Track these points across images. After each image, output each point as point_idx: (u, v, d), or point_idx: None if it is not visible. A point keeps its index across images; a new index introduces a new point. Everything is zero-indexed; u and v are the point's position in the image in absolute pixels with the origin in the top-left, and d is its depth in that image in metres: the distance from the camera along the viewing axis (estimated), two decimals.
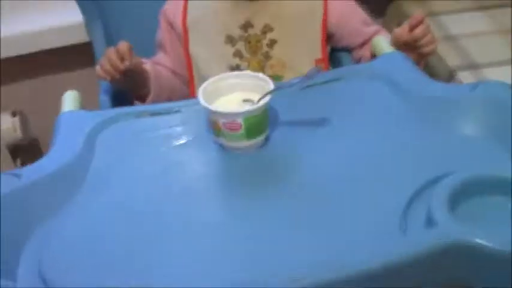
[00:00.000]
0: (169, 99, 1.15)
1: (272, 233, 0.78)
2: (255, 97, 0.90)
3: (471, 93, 0.93)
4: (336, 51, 1.25)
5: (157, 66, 1.21)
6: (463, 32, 1.36)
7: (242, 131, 0.87)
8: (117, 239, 0.79)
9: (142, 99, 1.18)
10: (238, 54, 1.17)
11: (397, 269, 0.70)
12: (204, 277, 0.72)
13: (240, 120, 0.86)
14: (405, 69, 1.02)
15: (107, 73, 1.06)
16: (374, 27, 1.23)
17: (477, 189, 0.79)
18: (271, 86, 0.90)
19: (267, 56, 1.17)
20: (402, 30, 1.09)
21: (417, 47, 1.09)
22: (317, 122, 0.95)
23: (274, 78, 1.14)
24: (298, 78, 0.93)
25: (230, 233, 0.79)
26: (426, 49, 1.10)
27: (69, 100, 1.04)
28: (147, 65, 1.17)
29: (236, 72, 0.97)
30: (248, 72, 0.97)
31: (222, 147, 0.91)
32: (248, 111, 0.87)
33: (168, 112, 1.00)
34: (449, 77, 1.27)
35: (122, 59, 1.05)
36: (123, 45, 1.05)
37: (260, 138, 0.90)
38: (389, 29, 1.21)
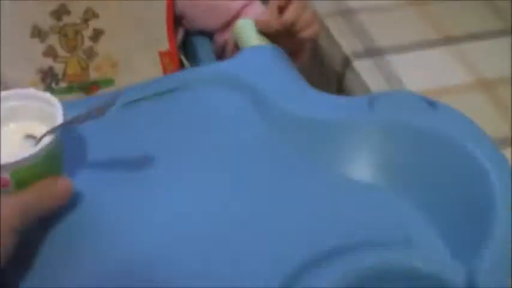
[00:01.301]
0: None
1: None
2: (43, 129, 0.58)
3: (369, 114, 0.63)
4: (190, 36, 0.92)
5: None
6: (364, 5, 1.04)
7: (15, 188, 0.56)
8: None
9: None
10: (50, 52, 0.83)
11: None
12: None
13: (6, 175, 0.55)
14: (275, 73, 0.71)
15: None
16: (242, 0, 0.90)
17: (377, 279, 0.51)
18: (60, 113, 0.58)
19: (91, 53, 0.83)
20: (268, 17, 0.77)
21: (291, 33, 0.78)
22: (143, 162, 0.63)
23: (103, 82, 0.83)
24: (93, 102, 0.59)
25: None
26: (303, 34, 0.79)
27: None
28: None
29: (12, 91, 0.62)
30: (30, 90, 0.62)
31: None
32: (18, 162, 0.54)
33: None
34: (343, 65, 0.96)
35: None
36: None
37: None
38: None
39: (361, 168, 0.61)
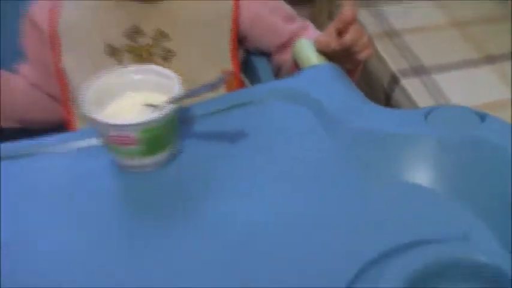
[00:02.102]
0: (29, 119, 0.95)
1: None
2: (160, 99, 0.68)
3: (425, 126, 0.69)
4: (250, 56, 0.99)
5: (16, 77, 0.95)
6: (408, 27, 1.10)
7: (139, 145, 0.67)
8: None
9: None
10: None
11: None
12: None
13: (134, 134, 0.66)
14: (337, 89, 0.77)
15: None
16: (298, 23, 0.97)
17: (439, 276, 0.56)
18: (179, 86, 0.69)
19: None
20: (327, 38, 0.83)
21: (349, 55, 0.84)
22: (224, 163, 0.71)
23: None
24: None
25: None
26: (360, 56, 0.85)
27: None
28: None
29: (135, 67, 0.72)
30: (152, 66, 0.72)
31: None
32: (147, 122, 0.65)
33: (23, 155, 0.72)
34: (391, 83, 1.03)
35: None
36: None
37: (164, 154, 0.70)
38: (319, 20, 0.96)
39: (420, 175, 0.67)
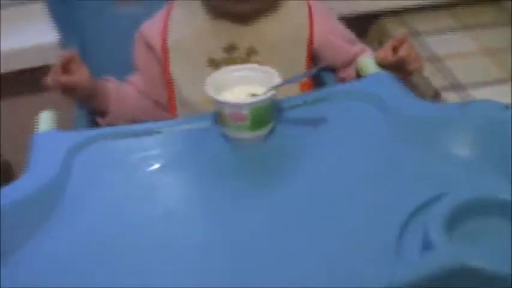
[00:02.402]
0: (138, 120, 1.15)
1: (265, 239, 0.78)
2: (261, 90, 0.91)
3: (462, 113, 0.90)
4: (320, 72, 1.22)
5: (126, 85, 1.19)
6: (447, 53, 1.34)
7: (247, 121, 0.88)
8: (92, 270, 0.76)
9: (103, 116, 1.17)
10: None
11: None
12: None
13: (245, 111, 0.87)
14: (393, 89, 0.99)
15: (51, 86, 1.03)
16: (359, 46, 1.20)
17: (474, 211, 0.75)
18: (277, 78, 0.91)
19: None
20: (385, 52, 1.06)
21: (403, 66, 1.07)
22: (305, 143, 0.93)
23: None
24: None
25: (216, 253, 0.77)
26: (412, 67, 1.07)
27: (45, 120, 1.00)
28: (109, 83, 1.16)
29: (242, 66, 0.97)
30: (252, 64, 0.97)
31: (223, 143, 0.93)
32: (256, 102, 0.88)
33: (148, 133, 0.96)
34: (434, 97, 1.25)
35: (64, 72, 1.03)
36: (63, 57, 1.04)
37: (265, 130, 0.91)
38: (372, 49, 1.19)
39: (458, 149, 0.87)
